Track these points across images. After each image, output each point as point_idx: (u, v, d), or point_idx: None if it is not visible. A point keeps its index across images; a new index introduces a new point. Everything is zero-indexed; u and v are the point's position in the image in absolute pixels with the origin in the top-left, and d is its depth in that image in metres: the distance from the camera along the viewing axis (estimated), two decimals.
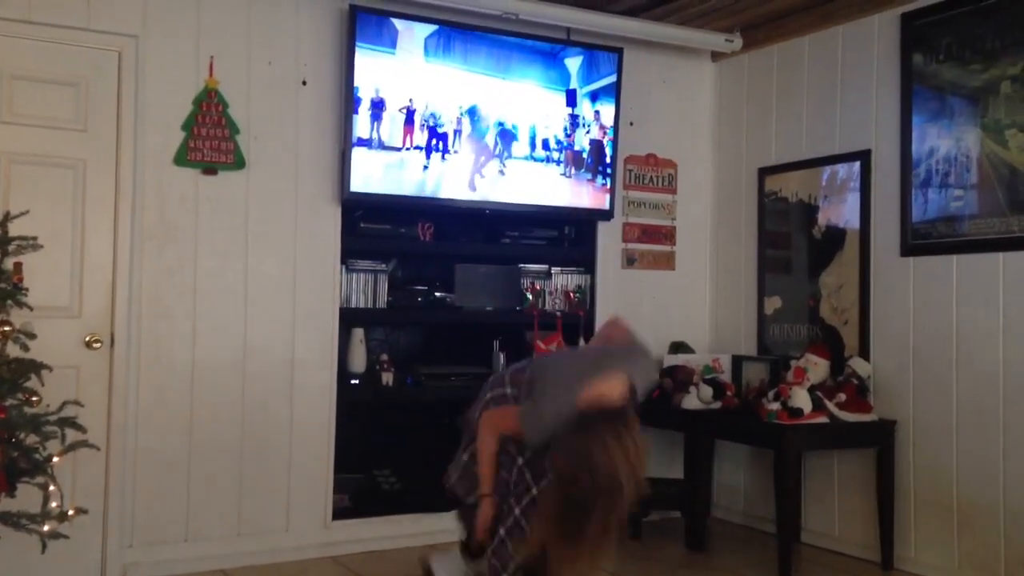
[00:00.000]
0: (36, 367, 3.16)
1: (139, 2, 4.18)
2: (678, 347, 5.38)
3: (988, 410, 4.12)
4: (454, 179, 4.78)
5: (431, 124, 4.70)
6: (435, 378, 4.91)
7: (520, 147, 4.94)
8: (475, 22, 4.83)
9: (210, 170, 4.32)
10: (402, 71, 4.63)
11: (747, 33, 5.36)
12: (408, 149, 4.65)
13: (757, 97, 5.39)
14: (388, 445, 5.04)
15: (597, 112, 5.11)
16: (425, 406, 5.03)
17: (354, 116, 4.50)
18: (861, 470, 4.66)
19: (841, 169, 4.87)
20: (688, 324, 5.53)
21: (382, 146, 4.59)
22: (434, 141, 4.71)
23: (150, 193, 4.21)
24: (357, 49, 4.48)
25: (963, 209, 4.26)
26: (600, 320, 5.14)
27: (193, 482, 4.29)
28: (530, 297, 5.16)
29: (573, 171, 5.07)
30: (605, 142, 5.14)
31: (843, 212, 4.85)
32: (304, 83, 4.54)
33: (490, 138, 4.86)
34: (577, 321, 5.15)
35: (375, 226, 4.76)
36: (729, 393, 4.90)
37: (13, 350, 3.13)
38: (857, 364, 4.61)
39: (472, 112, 4.80)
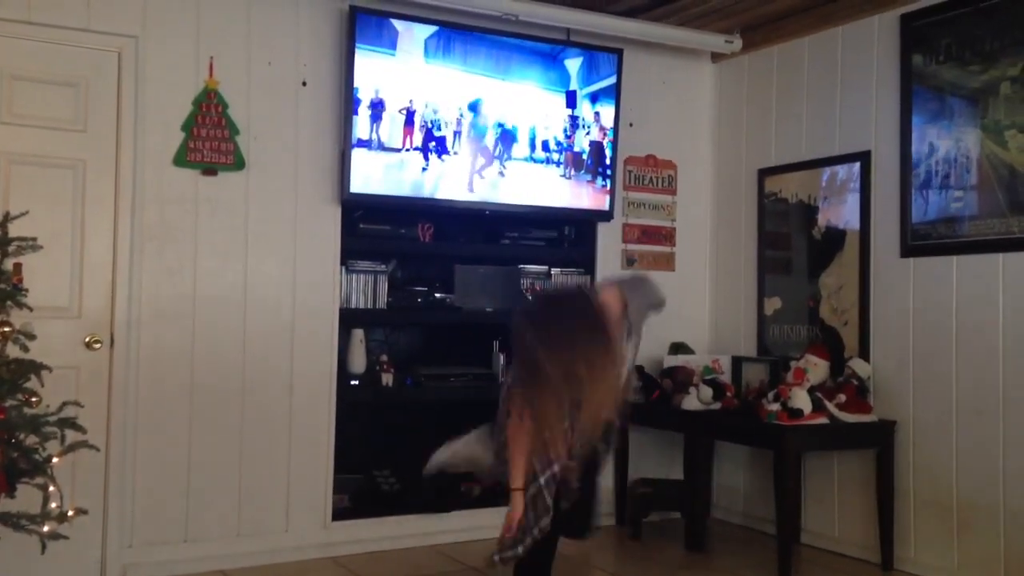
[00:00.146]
0: (36, 368, 3.16)
1: (139, 3, 4.18)
2: (678, 348, 5.38)
3: (988, 411, 4.12)
4: (454, 180, 4.78)
5: (431, 125, 4.70)
6: (435, 379, 4.91)
7: (520, 148, 4.94)
8: (475, 23, 4.83)
9: (210, 171, 4.32)
10: (402, 72, 4.63)
11: (747, 34, 5.36)
12: (408, 150, 4.65)
13: (757, 98, 5.39)
14: (388, 446, 5.04)
15: (597, 113, 5.11)
16: (425, 407, 5.03)
17: (354, 117, 4.51)
18: (861, 471, 4.66)
19: (841, 170, 4.87)
20: (688, 325, 5.53)
21: (382, 147, 4.60)
22: (434, 142, 4.72)
23: (150, 194, 4.21)
24: (357, 50, 4.48)
25: (963, 210, 4.26)
26: None
27: (193, 482, 4.29)
28: (530, 298, 5.16)
29: (573, 172, 5.07)
30: (605, 143, 5.14)
31: (843, 213, 4.85)
32: (304, 84, 4.54)
33: (490, 139, 4.86)
34: None
35: (375, 227, 4.76)
36: (729, 394, 4.90)
37: (13, 351, 3.12)
38: (857, 365, 4.61)
39: (472, 113, 4.81)
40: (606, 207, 5.19)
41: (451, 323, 5.07)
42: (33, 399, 3.13)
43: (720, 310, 5.60)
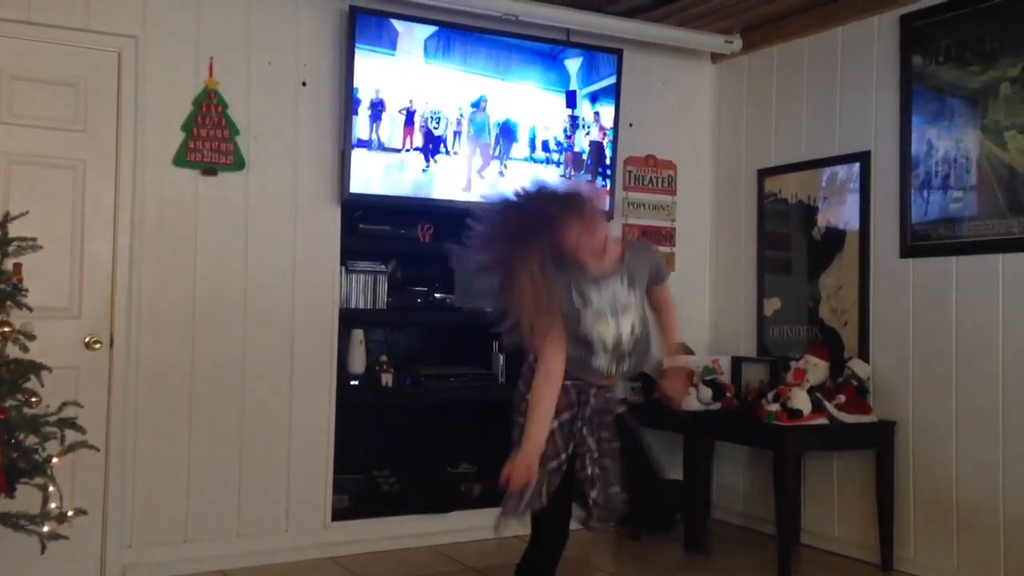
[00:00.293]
0: (35, 368, 3.16)
1: (139, 3, 4.18)
2: None
3: (988, 412, 4.12)
4: (454, 180, 4.78)
5: (431, 125, 4.70)
6: (434, 379, 4.91)
7: (520, 148, 4.94)
8: (475, 23, 4.83)
9: (210, 171, 4.32)
10: (402, 72, 4.63)
11: (747, 34, 5.36)
12: (408, 150, 4.65)
13: (757, 98, 5.39)
14: (387, 446, 5.04)
15: (597, 113, 5.11)
16: (424, 407, 5.04)
17: (354, 117, 4.51)
18: (860, 471, 4.66)
19: (841, 170, 4.87)
20: (688, 325, 5.46)
21: (382, 147, 4.60)
22: (434, 143, 4.72)
23: (149, 194, 4.21)
24: (357, 50, 4.48)
25: (962, 210, 4.26)
26: None
27: (192, 483, 4.29)
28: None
29: (573, 172, 5.07)
30: (605, 143, 5.14)
31: (843, 213, 4.85)
32: (304, 84, 4.54)
33: (490, 139, 4.87)
34: None
35: (375, 227, 4.76)
36: (728, 394, 4.90)
37: (13, 351, 3.12)
38: (856, 365, 4.61)
39: (472, 113, 4.81)
40: (606, 207, 5.19)
41: (451, 323, 5.07)
42: (33, 399, 3.13)
43: (720, 310, 5.60)
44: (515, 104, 4.91)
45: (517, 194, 2.83)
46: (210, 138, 4.30)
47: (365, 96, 4.54)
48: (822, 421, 4.44)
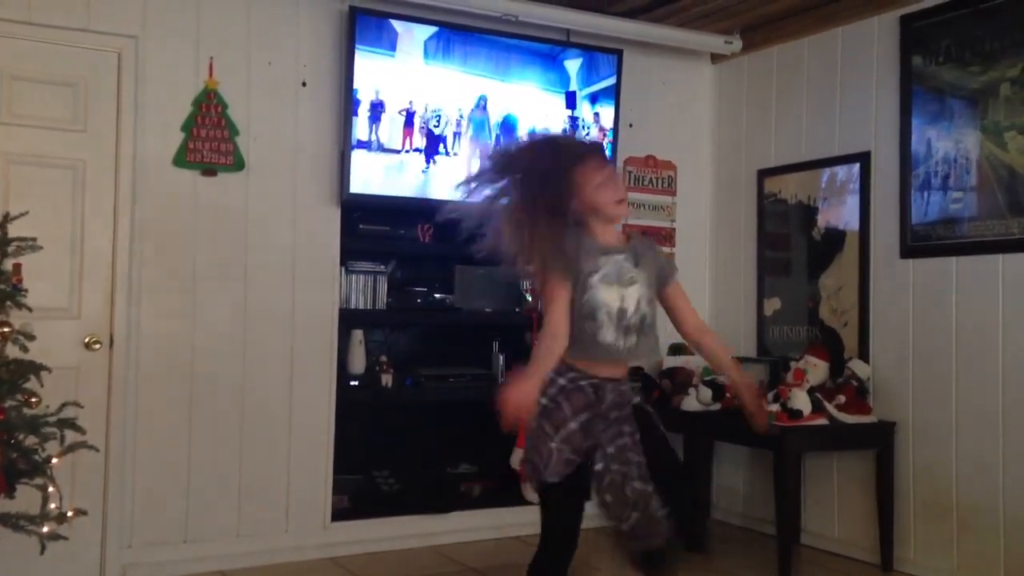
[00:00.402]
0: (35, 368, 3.16)
1: (138, 3, 4.18)
2: (677, 349, 5.37)
3: (988, 412, 4.12)
4: (454, 181, 4.77)
5: (431, 126, 4.70)
6: (434, 379, 4.91)
7: None
8: (475, 24, 4.83)
9: (209, 171, 4.32)
10: (402, 73, 4.63)
11: (746, 35, 5.36)
12: (408, 151, 4.65)
13: (756, 99, 5.39)
14: (387, 446, 5.04)
15: (596, 114, 5.11)
16: (424, 407, 5.03)
17: (353, 118, 4.50)
18: (861, 472, 4.66)
19: (840, 171, 4.87)
20: None
21: (381, 148, 4.60)
22: (433, 144, 4.71)
23: (149, 194, 4.21)
24: (357, 51, 4.48)
25: (962, 211, 4.26)
26: None
27: (192, 483, 4.29)
28: (529, 299, 5.16)
29: None
30: (604, 144, 5.14)
31: (843, 214, 4.85)
32: (304, 84, 4.54)
33: (490, 140, 4.86)
34: None
35: (374, 227, 4.76)
36: (728, 395, 4.90)
37: (12, 351, 3.12)
38: (856, 366, 4.61)
39: (472, 114, 4.80)
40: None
41: (451, 324, 5.07)
42: (33, 400, 3.13)
43: (720, 311, 5.59)
44: (515, 105, 4.91)
45: (540, 133, 2.79)
46: (210, 138, 4.30)
47: (365, 97, 4.54)
48: (822, 421, 4.43)
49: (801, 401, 4.40)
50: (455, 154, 4.77)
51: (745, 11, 5.05)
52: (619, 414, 2.83)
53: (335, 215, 4.62)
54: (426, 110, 4.69)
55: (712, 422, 4.85)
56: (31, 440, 3.13)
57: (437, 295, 4.96)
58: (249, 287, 4.41)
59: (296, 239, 4.52)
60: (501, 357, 5.11)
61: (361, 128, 4.54)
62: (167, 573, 4.18)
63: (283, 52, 4.50)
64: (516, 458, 4.95)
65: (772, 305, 5.25)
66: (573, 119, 5.05)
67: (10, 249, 3.17)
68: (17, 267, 3.20)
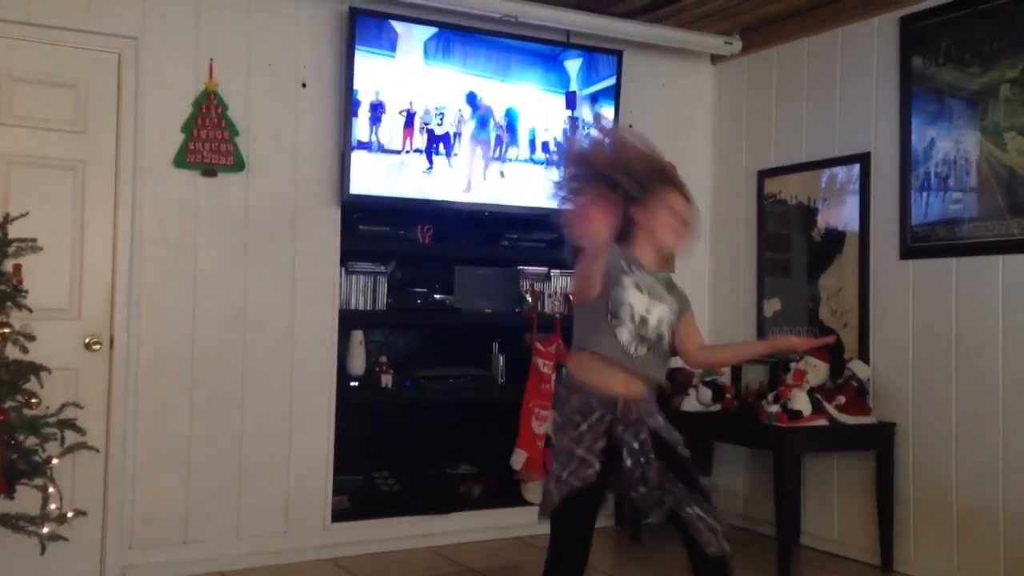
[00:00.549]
0: (35, 369, 3.16)
1: (138, 4, 4.18)
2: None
3: (987, 413, 4.12)
4: (453, 181, 4.78)
5: (431, 127, 4.70)
6: (434, 380, 4.91)
7: (520, 149, 4.94)
8: (475, 24, 4.83)
9: (210, 172, 4.32)
10: (401, 73, 4.63)
11: (746, 36, 5.36)
12: (408, 152, 4.66)
13: (756, 99, 5.40)
14: (387, 447, 5.04)
15: (597, 115, 5.11)
16: (424, 408, 5.04)
17: (353, 119, 4.51)
18: (860, 473, 4.66)
19: (840, 171, 4.87)
20: None
21: (381, 149, 4.60)
22: (434, 144, 4.72)
23: (149, 195, 4.21)
24: (357, 51, 4.48)
25: (962, 212, 4.26)
26: None
27: (192, 484, 4.28)
28: (529, 299, 5.16)
29: None
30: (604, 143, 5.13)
31: (842, 214, 4.85)
32: (304, 85, 4.54)
33: (489, 140, 4.87)
34: None
35: (375, 228, 4.76)
36: (728, 395, 4.90)
37: (12, 352, 3.13)
38: (856, 367, 4.61)
39: (472, 114, 4.81)
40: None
41: (451, 324, 5.07)
42: (33, 400, 3.13)
43: (720, 311, 5.59)
44: (515, 105, 4.91)
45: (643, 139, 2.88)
46: (210, 139, 4.31)
47: (365, 98, 4.54)
48: (822, 422, 4.44)
49: (801, 402, 4.41)
50: (455, 154, 4.77)
51: (745, 12, 5.05)
52: (637, 422, 2.79)
53: (335, 216, 4.62)
54: (426, 111, 4.69)
55: (712, 423, 4.85)
56: (31, 441, 3.14)
57: (437, 296, 4.96)
58: (249, 288, 4.41)
59: (296, 240, 4.52)
60: (501, 358, 5.12)
61: (361, 129, 4.54)
62: (167, 574, 4.18)
63: (283, 53, 4.50)
64: (516, 459, 4.97)
65: (772, 306, 5.25)
66: (573, 119, 5.06)
67: (10, 250, 3.18)
68: (17, 268, 3.21)
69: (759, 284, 5.33)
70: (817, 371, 4.64)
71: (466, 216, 4.93)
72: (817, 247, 5.00)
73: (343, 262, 4.67)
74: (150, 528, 4.19)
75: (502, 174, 4.90)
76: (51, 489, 3.16)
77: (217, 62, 4.34)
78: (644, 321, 2.79)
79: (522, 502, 4.94)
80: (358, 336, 4.81)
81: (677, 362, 5.16)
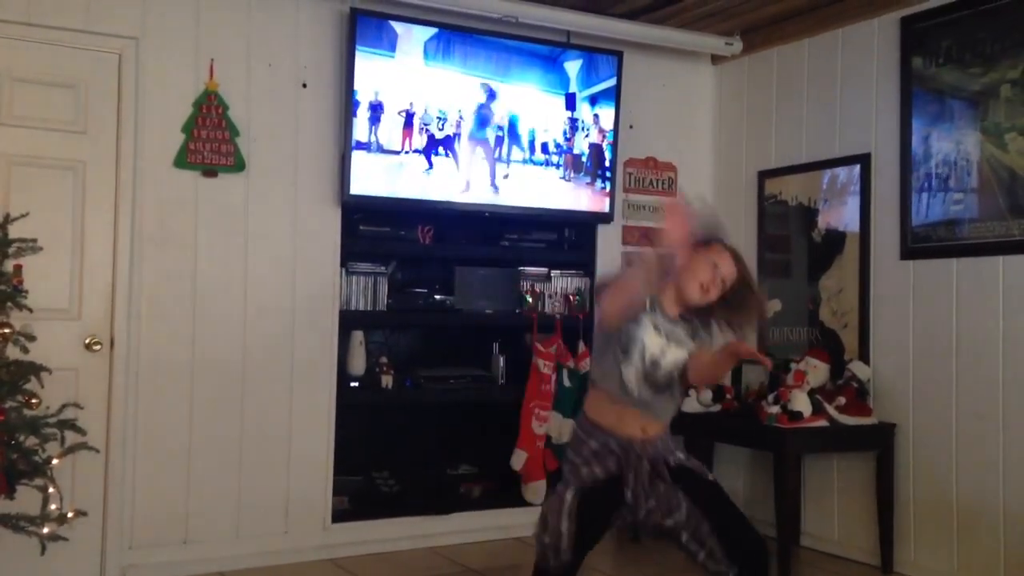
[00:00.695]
0: (36, 369, 3.17)
1: (139, 4, 4.18)
2: None
3: (988, 414, 4.12)
4: (453, 182, 4.78)
5: (430, 127, 4.70)
6: (434, 380, 4.91)
7: (519, 150, 4.94)
8: (475, 25, 4.83)
9: (210, 172, 4.32)
10: (401, 74, 4.63)
11: (747, 36, 5.36)
12: (407, 152, 4.65)
13: (757, 100, 5.39)
14: (387, 447, 5.04)
15: (596, 115, 5.11)
16: (424, 409, 5.03)
17: (353, 119, 4.50)
18: (861, 473, 4.66)
19: (841, 172, 4.87)
20: None
21: (380, 149, 4.59)
22: (433, 144, 4.71)
23: (150, 195, 4.21)
24: (357, 52, 4.48)
25: (963, 213, 4.26)
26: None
27: (192, 484, 4.28)
28: (529, 300, 5.16)
29: (572, 174, 5.07)
30: (604, 146, 5.14)
31: (843, 215, 4.85)
32: (304, 86, 4.54)
33: (489, 141, 4.86)
34: (576, 324, 5.14)
35: (375, 229, 4.76)
36: (728, 396, 4.90)
37: (13, 352, 3.13)
38: (857, 367, 4.61)
39: (472, 115, 4.80)
40: (606, 209, 5.19)
41: (451, 325, 5.07)
42: (33, 400, 3.13)
43: None
44: (515, 106, 4.91)
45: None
46: (210, 139, 4.31)
47: (364, 98, 4.53)
48: (822, 423, 4.43)
49: (801, 403, 4.41)
50: (455, 155, 4.76)
51: (746, 12, 5.05)
52: (651, 470, 2.77)
53: (335, 216, 4.62)
54: (426, 111, 4.69)
55: (712, 423, 4.85)
56: (31, 441, 3.14)
57: (437, 296, 4.96)
58: (249, 288, 4.41)
59: (296, 240, 4.52)
60: (501, 359, 5.12)
61: (360, 129, 4.53)
62: (167, 574, 4.18)
63: (283, 53, 4.50)
64: (516, 459, 4.96)
65: (772, 306, 5.25)
66: (572, 120, 5.05)
67: (11, 250, 3.18)
68: (18, 268, 3.21)
69: (759, 285, 5.32)
70: (817, 372, 4.64)
71: (466, 216, 4.93)
72: (817, 248, 5.00)
73: (343, 263, 4.67)
74: (150, 528, 4.19)
75: (502, 174, 4.89)
76: (51, 489, 3.16)
77: (217, 62, 4.34)
78: (655, 364, 2.75)
79: (522, 503, 4.94)
80: (358, 336, 4.81)
81: None
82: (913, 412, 4.46)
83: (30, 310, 3.20)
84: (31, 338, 3.15)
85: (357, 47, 4.48)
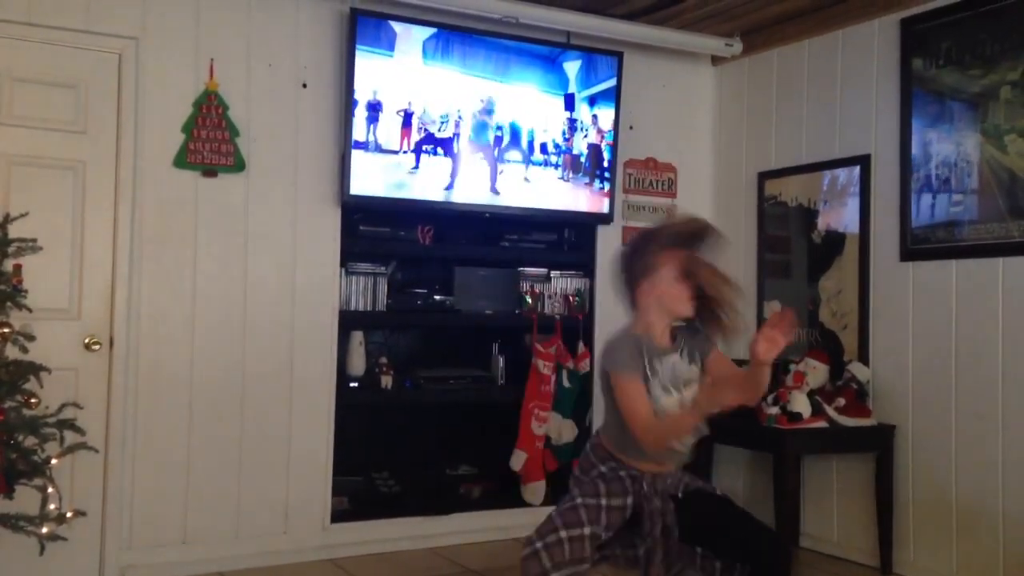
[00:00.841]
0: (35, 369, 3.16)
1: (139, 4, 4.18)
2: None
3: (987, 415, 4.12)
4: (452, 182, 4.78)
5: (429, 127, 4.70)
6: (434, 381, 4.91)
7: (519, 151, 4.94)
8: (474, 25, 4.83)
9: (210, 172, 4.32)
10: (400, 74, 4.62)
11: (747, 37, 5.36)
12: (406, 152, 4.65)
13: (757, 101, 5.39)
14: (387, 448, 5.04)
15: (595, 116, 5.11)
16: (424, 409, 5.03)
17: (353, 119, 4.50)
18: (860, 475, 4.66)
19: (841, 173, 4.87)
20: None
21: (378, 149, 4.59)
22: (432, 144, 4.71)
23: (150, 195, 4.21)
24: (357, 52, 4.48)
25: (963, 214, 4.26)
26: (599, 324, 5.13)
27: (191, 484, 4.28)
28: (529, 300, 5.16)
29: (571, 175, 5.07)
30: (603, 146, 5.14)
31: (843, 216, 4.85)
32: (304, 86, 4.54)
33: (488, 141, 4.86)
34: (576, 325, 5.15)
35: (375, 229, 4.76)
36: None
37: (12, 352, 3.13)
38: (856, 369, 4.61)
39: (471, 115, 4.80)
40: (605, 210, 5.19)
41: (450, 325, 5.07)
42: (32, 400, 3.13)
43: None
44: (514, 106, 4.91)
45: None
46: (210, 139, 4.31)
47: (362, 97, 4.53)
48: (822, 424, 4.43)
49: (801, 404, 4.41)
50: (454, 155, 4.76)
51: (746, 14, 5.05)
52: (661, 506, 2.78)
53: (335, 216, 4.62)
54: (425, 111, 4.68)
55: (712, 424, 4.83)
56: (31, 441, 3.14)
57: (437, 297, 4.96)
58: (249, 288, 4.41)
59: (296, 240, 4.52)
60: (501, 359, 5.12)
61: (358, 128, 4.53)
62: (166, 574, 4.18)
63: (283, 53, 4.50)
64: (516, 460, 4.96)
65: (772, 307, 5.25)
66: (572, 121, 5.05)
67: (10, 250, 3.18)
68: (17, 268, 3.21)
69: (759, 286, 5.33)
70: (817, 373, 4.64)
71: (466, 217, 4.92)
72: (817, 249, 5.00)
73: (343, 263, 4.67)
74: (150, 528, 4.19)
75: (501, 175, 4.89)
76: (50, 489, 3.16)
77: (217, 62, 4.34)
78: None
79: (522, 503, 4.94)
80: (358, 337, 4.81)
81: None
82: (913, 413, 4.46)
83: (30, 310, 3.20)
84: (30, 338, 3.15)
85: (357, 47, 4.48)
